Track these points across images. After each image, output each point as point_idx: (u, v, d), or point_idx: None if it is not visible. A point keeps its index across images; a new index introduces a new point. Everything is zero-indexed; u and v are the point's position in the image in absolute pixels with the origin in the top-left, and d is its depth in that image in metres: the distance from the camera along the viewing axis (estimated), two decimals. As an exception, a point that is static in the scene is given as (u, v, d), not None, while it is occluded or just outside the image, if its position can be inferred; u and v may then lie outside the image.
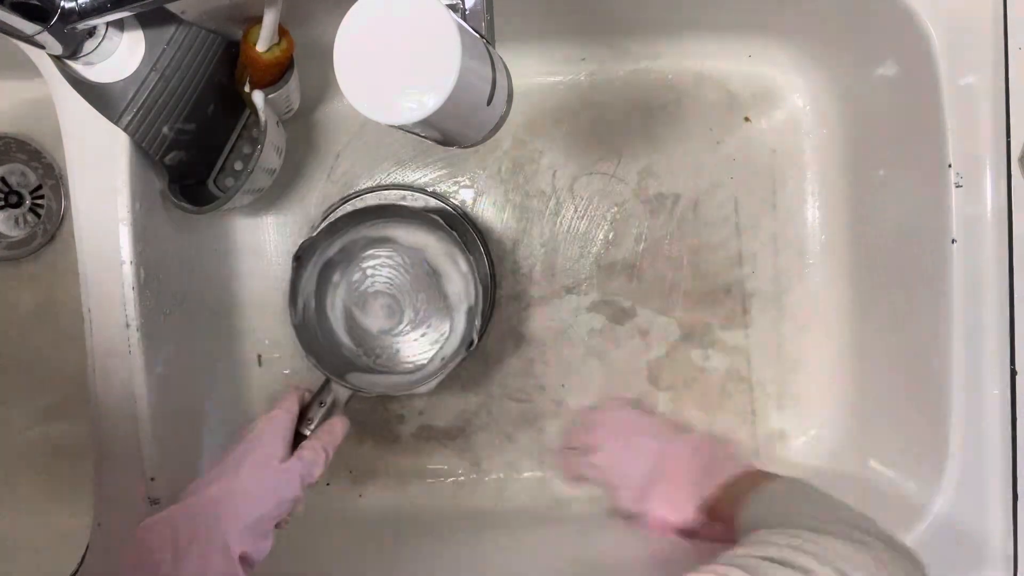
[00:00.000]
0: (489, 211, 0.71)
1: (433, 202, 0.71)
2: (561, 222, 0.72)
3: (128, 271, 0.55)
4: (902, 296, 0.63)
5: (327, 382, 0.60)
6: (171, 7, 0.50)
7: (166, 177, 0.57)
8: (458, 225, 0.60)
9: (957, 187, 0.54)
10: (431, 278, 0.64)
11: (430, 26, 0.35)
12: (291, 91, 0.59)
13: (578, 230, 0.72)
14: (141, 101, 0.50)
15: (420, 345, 0.66)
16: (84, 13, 0.44)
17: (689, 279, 0.72)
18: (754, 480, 0.56)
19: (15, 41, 0.45)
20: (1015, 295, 0.54)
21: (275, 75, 0.55)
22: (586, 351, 0.72)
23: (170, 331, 0.60)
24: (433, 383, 0.61)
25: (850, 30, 0.63)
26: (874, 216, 0.66)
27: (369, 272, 0.64)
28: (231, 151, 0.60)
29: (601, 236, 0.72)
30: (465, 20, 0.41)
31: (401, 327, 0.65)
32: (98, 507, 0.56)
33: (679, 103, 0.71)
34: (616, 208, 0.72)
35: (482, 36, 0.41)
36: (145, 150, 0.53)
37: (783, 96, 0.70)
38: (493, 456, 0.72)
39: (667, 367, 0.72)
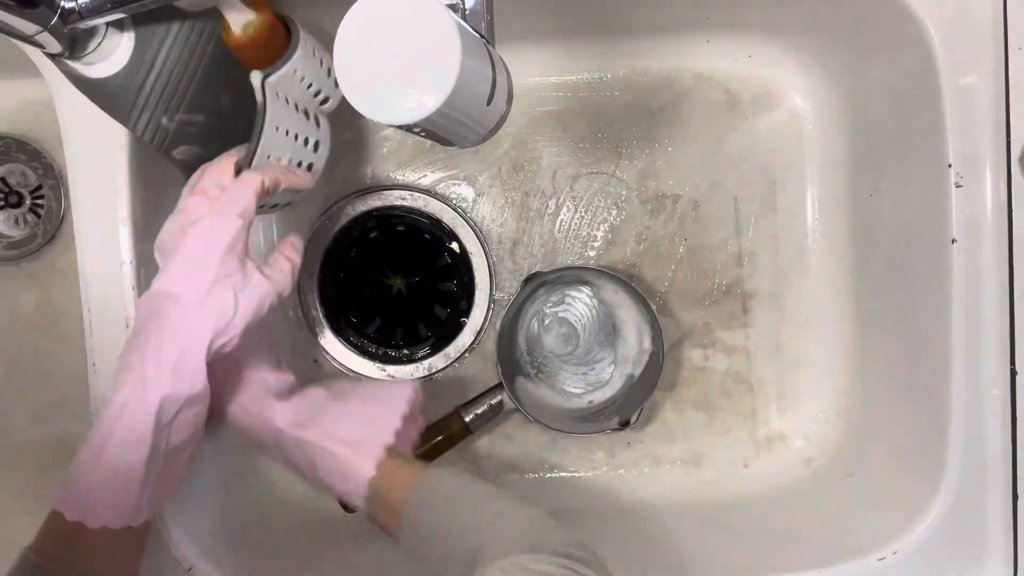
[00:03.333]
0: (489, 211, 0.72)
1: (433, 202, 0.71)
2: (561, 222, 0.72)
3: (128, 271, 0.55)
4: (902, 296, 0.63)
5: (499, 386, 0.67)
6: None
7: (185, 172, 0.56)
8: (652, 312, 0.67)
9: (957, 187, 0.54)
10: (611, 333, 0.71)
11: (430, 26, 0.35)
12: (307, 68, 0.54)
13: (578, 230, 0.72)
14: (135, 93, 0.50)
15: (576, 380, 0.72)
16: (84, 13, 0.44)
17: (689, 279, 0.72)
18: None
19: (15, 41, 0.45)
20: (1015, 295, 0.54)
21: (264, 53, 0.52)
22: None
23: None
24: (580, 433, 0.70)
25: (850, 30, 0.63)
26: (874, 216, 0.66)
27: (567, 300, 0.71)
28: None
29: (601, 236, 0.72)
30: (465, 20, 0.41)
31: (569, 356, 0.71)
32: (98, 507, 0.55)
33: (679, 103, 0.71)
34: (616, 208, 0.72)
35: (482, 36, 0.41)
36: (149, 144, 0.52)
37: (783, 96, 0.70)
38: (493, 456, 0.72)
39: (667, 367, 0.72)
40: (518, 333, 0.71)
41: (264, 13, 0.51)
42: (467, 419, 0.67)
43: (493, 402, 0.67)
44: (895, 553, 0.55)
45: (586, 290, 0.71)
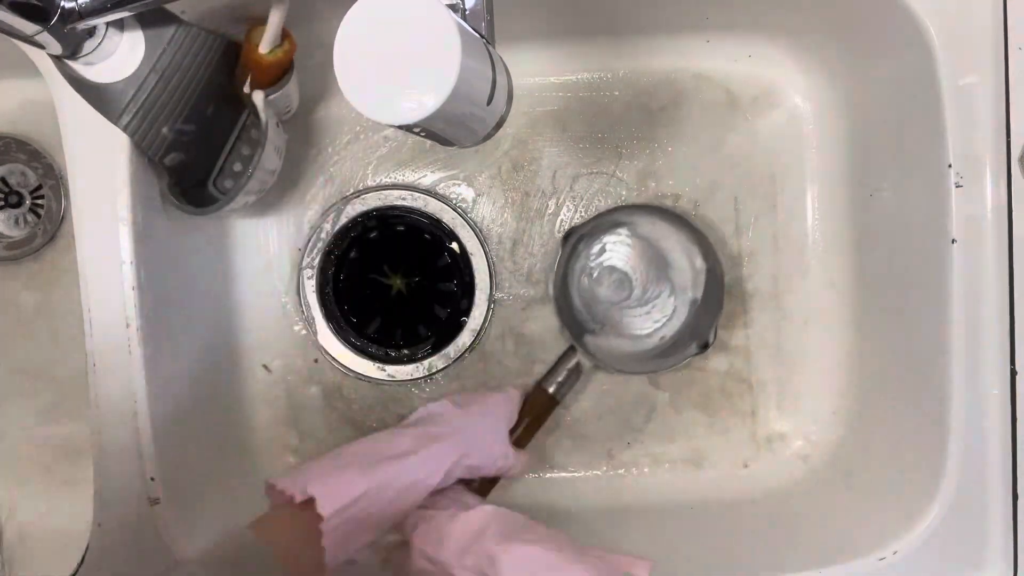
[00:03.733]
0: (489, 211, 0.72)
1: (433, 202, 0.71)
2: (561, 222, 0.72)
3: (128, 271, 0.55)
4: (902, 296, 0.63)
5: (572, 349, 0.68)
6: (171, 7, 0.50)
7: (166, 178, 0.57)
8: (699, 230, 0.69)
9: (957, 187, 0.54)
10: (661, 265, 0.70)
11: (430, 26, 0.35)
12: (291, 92, 0.59)
13: (578, 230, 0.72)
14: (140, 101, 0.50)
15: (643, 320, 0.72)
16: (84, 13, 0.44)
17: (689, 279, 0.72)
18: None
19: (15, 41, 0.45)
20: (1015, 295, 0.54)
21: (276, 76, 0.55)
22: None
23: (170, 331, 0.60)
24: (664, 369, 0.71)
25: (850, 30, 0.63)
26: (874, 216, 0.66)
27: (608, 248, 0.71)
28: (230, 152, 0.60)
29: (601, 236, 0.72)
30: (465, 20, 0.41)
31: (628, 301, 0.71)
32: (98, 507, 0.55)
33: (679, 103, 0.71)
34: (616, 208, 0.71)
35: (482, 36, 0.41)
36: (144, 151, 0.53)
37: (783, 96, 0.70)
38: (493, 456, 0.72)
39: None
40: (572, 293, 0.71)
41: (290, 41, 0.54)
42: (551, 390, 0.67)
43: (571, 366, 0.67)
44: (895, 553, 0.55)
45: (623, 231, 0.71)
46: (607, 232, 0.71)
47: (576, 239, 0.68)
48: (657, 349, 0.71)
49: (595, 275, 0.71)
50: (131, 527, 0.55)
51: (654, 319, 0.71)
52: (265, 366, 0.72)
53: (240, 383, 0.71)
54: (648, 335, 0.71)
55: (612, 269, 0.71)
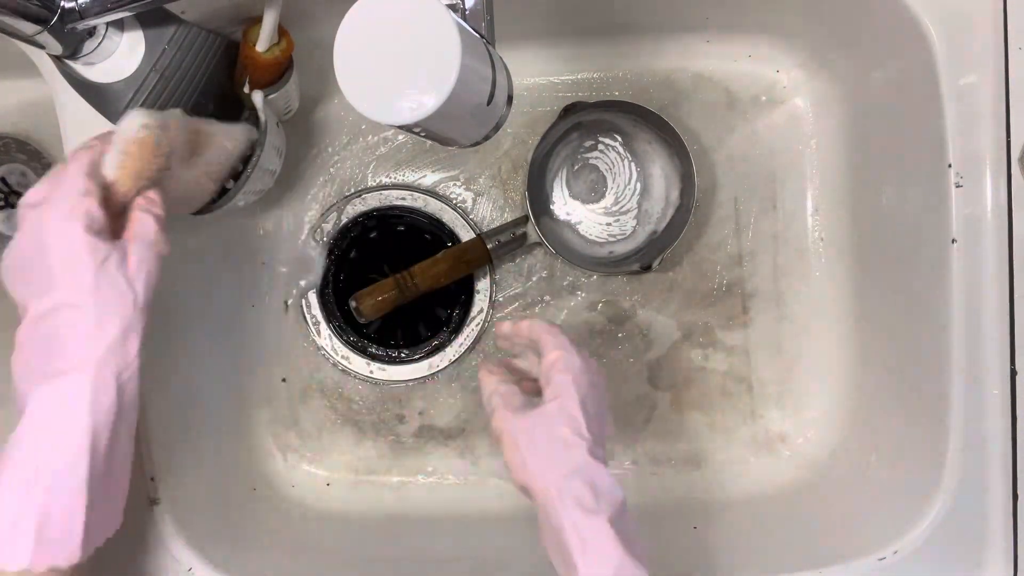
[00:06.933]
0: (489, 211, 0.72)
1: (433, 202, 0.71)
2: (561, 222, 0.72)
3: (128, 271, 0.55)
4: (902, 296, 0.63)
5: (525, 218, 0.67)
6: (171, 7, 0.50)
7: None
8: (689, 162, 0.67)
9: (957, 187, 0.54)
10: (639, 187, 0.71)
11: (430, 26, 0.35)
12: (290, 91, 0.59)
13: (578, 230, 0.72)
14: (141, 102, 0.50)
15: (600, 228, 0.72)
16: (84, 13, 0.44)
17: (689, 279, 0.72)
18: None
19: (15, 41, 0.45)
20: (1015, 295, 0.54)
21: (274, 75, 0.55)
22: (586, 351, 0.72)
23: (170, 332, 0.60)
24: (603, 272, 0.71)
25: (850, 30, 0.63)
26: (874, 216, 0.66)
27: (600, 148, 0.71)
28: None
29: (601, 236, 0.72)
30: (465, 20, 0.41)
31: (595, 205, 0.71)
32: (98, 507, 0.55)
33: (679, 103, 0.71)
34: (616, 208, 0.71)
35: (482, 36, 0.41)
36: None
37: (783, 96, 0.70)
38: (493, 456, 0.72)
39: (667, 367, 0.72)
40: (547, 173, 0.71)
41: (288, 40, 0.54)
42: (489, 246, 0.67)
43: (517, 232, 0.67)
44: (895, 553, 0.55)
45: (620, 139, 0.71)
46: (606, 133, 0.70)
47: (574, 124, 0.67)
48: (602, 259, 0.71)
49: (576, 167, 0.71)
50: (131, 527, 0.55)
51: (611, 232, 0.71)
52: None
53: (240, 383, 0.71)
54: (600, 243, 0.71)
55: (594, 168, 0.70)
